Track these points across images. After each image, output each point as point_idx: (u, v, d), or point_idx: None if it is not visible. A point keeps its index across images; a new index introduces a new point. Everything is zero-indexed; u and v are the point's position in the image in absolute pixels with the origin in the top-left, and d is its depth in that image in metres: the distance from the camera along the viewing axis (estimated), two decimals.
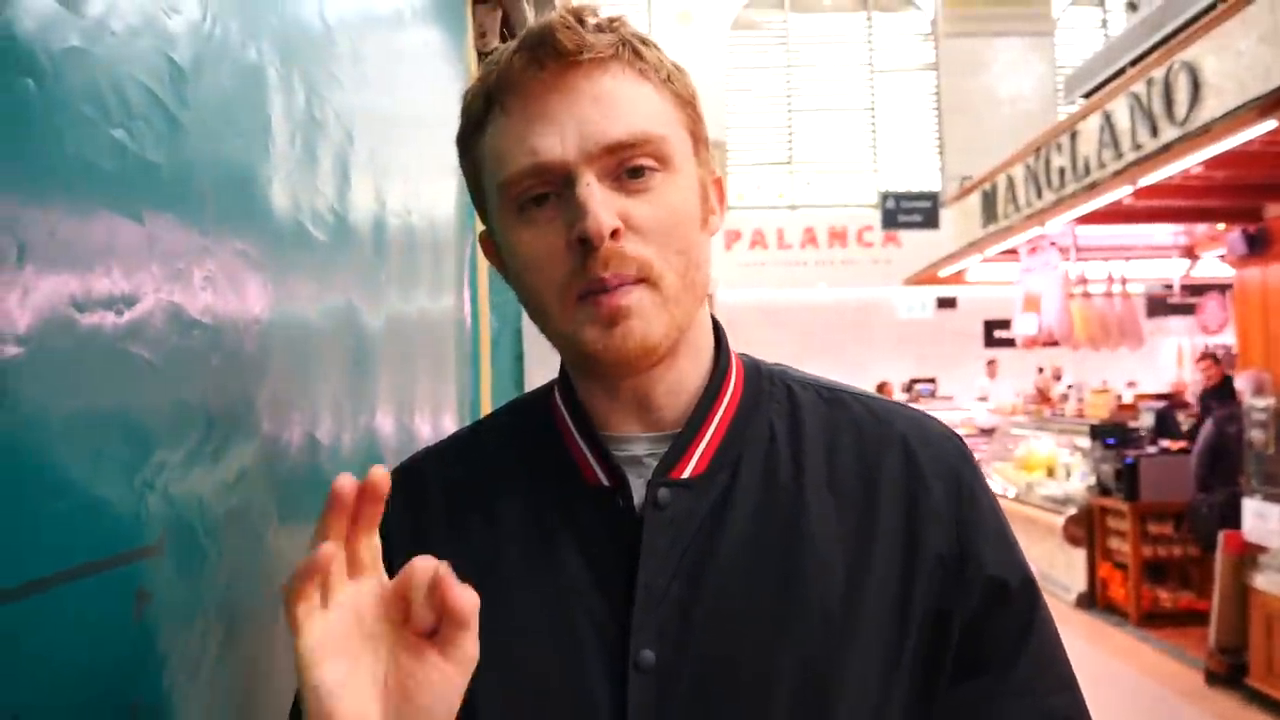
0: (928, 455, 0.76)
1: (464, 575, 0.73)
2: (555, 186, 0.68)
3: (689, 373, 0.75)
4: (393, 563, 0.77)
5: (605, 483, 0.74)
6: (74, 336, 0.56)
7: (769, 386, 0.79)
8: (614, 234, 0.66)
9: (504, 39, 2.20)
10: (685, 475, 0.73)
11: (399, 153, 1.34)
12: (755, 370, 0.81)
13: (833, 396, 0.79)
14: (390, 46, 1.35)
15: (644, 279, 0.68)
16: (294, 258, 0.92)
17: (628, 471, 0.74)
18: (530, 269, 0.70)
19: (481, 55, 2.02)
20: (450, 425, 1.61)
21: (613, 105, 0.68)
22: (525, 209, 0.69)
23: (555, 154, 0.67)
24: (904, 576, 0.71)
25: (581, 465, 0.76)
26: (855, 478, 0.74)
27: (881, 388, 7.85)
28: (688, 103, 0.73)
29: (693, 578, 0.70)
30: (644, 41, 0.72)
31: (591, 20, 0.69)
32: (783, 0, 15.03)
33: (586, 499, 0.74)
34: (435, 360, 1.52)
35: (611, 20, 0.71)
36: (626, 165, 0.68)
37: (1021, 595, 0.73)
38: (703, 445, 0.74)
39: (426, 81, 1.57)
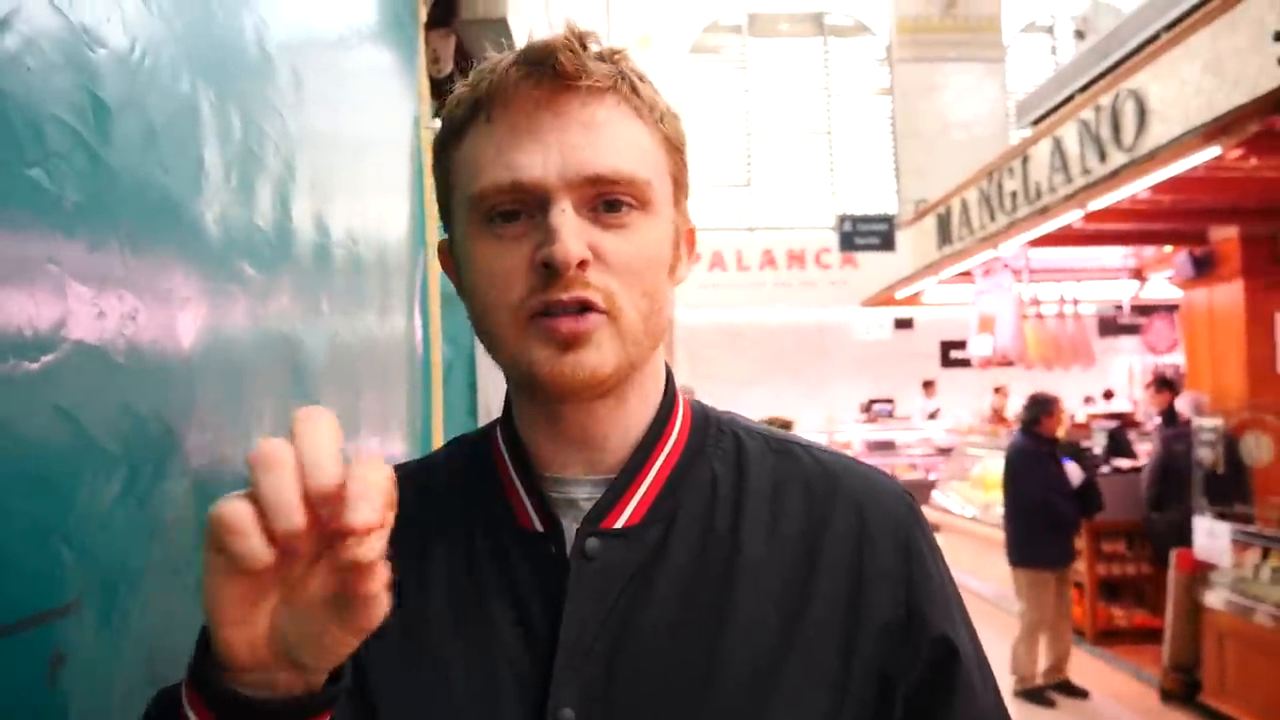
0: (878, 514, 0.73)
1: (390, 612, 0.70)
2: (528, 207, 0.65)
3: (635, 414, 0.72)
4: None
5: (538, 528, 0.71)
6: None
7: (715, 434, 0.76)
8: (581, 264, 0.64)
9: (458, 65, 2.18)
10: (619, 524, 0.70)
11: (345, 178, 1.31)
12: (703, 417, 0.78)
13: (782, 448, 0.76)
14: (337, 70, 1.33)
15: (605, 311, 0.65)
16: (226, 291, 0.89)
17: (566, 516, 0.71)
18: (486, 284, 0.67)
19: (434, 81, 2.00)
20: (399, 457, 1.57)
21: (602, 136, 0.66)
22: (493, 222, 0.66)
23: (535, 174, 0.64)
24: (844, 636, 0.68)
25: (516, 508, 0.72)
26: (798, 533, 0.71)
27: (869, 406, 7.82)
28: (676, 149, 0.72)
29: (619, 634, 0.67)
30: (642, 79, 0.70)
31: (594, 47, 0.68)
32: (741, 25, 15.21)
33: (519, 543, 0.71)
34: (381, 393, 1.48)
35: (614, 52, 0.69)
36: (604, 198, 0.66)
37: (966, 669, 0.70)
38: (639, 494, 0.71)
39: (376, 105, 1.54)
